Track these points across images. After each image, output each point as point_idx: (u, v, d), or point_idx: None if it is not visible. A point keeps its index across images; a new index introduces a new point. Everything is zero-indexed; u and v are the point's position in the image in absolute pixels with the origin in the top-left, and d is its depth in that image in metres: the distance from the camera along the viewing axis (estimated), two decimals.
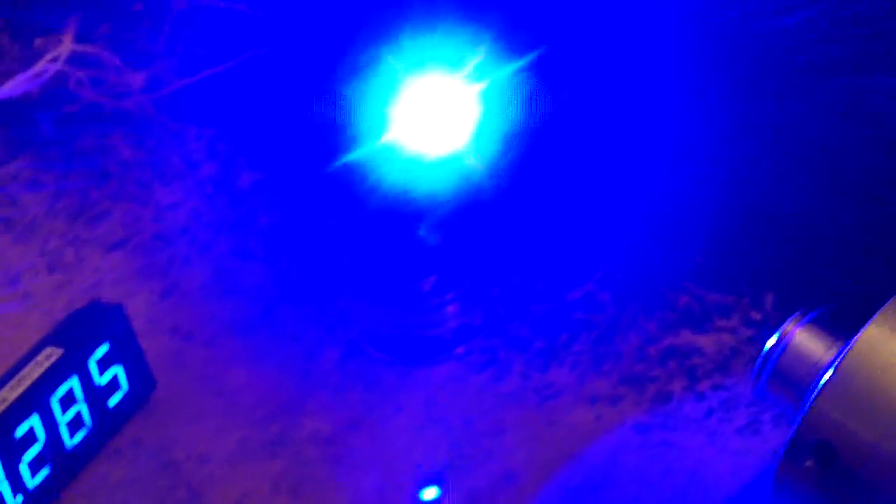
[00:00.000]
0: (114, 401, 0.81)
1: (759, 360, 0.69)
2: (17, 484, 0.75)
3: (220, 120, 1.06)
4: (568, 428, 0.83)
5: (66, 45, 1.02)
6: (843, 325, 0.68)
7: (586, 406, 0.84)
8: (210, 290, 0.92)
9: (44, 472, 0.77)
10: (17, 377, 0.76)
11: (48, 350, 0.77)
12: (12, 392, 0.75)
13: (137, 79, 1.03)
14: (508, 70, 0.80)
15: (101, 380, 0.80)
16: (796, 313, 0.69)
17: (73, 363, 0.78)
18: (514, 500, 0.79)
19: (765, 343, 0.70)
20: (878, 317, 0.63)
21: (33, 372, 0.76)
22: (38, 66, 0.96)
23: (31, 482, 0.76)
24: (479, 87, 0.77)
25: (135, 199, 0.99)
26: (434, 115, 0.76)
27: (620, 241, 0.94)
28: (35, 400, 0.76)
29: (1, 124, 1.05)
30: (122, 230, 0.97)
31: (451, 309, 0.86)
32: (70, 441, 0.78)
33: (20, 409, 0.75)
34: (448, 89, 0.76)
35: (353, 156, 0.76)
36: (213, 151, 1.03)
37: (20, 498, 0.76)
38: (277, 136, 1.00)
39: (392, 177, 0.76)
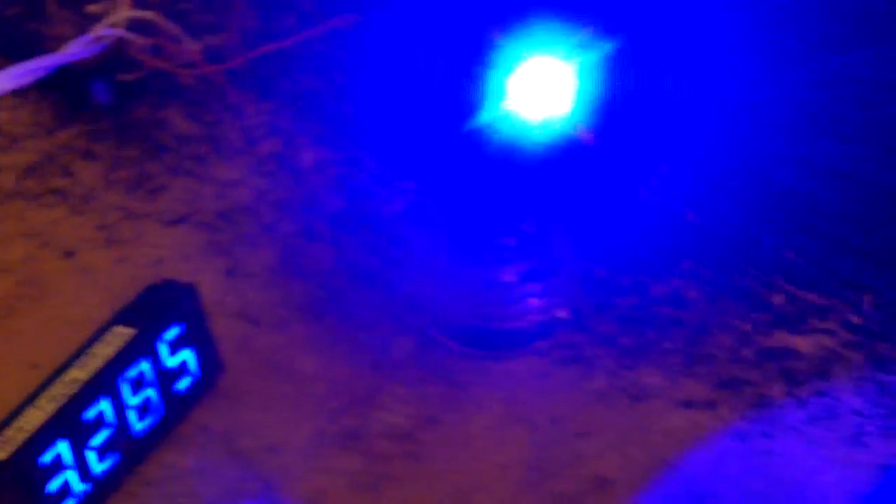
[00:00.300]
0: (182, 385, 0.76)
1: None
2: (84, 470, 0.70)
3: (280, 96, 1.01)
4: (662, 432, 0.78)
5: (125, 12, 0.96)
6: None
7: (680, 409, 0.79)
8: (277, 273, 0.87)
9: (111, 459, 0.72)
10: (85, 356, 0.71)
11: (118, 329, 0.72)
12: (82, 372, 0.70)
13: (196, 50, 0.97)
14: (601, 50, 0.77)
15: (171, 362, 0.75)
16: None
17: (144, 344, 0.73)
18: None
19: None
20: None
21: (103, 352, 0.71)
22: (96, 32, 0.91)
23: (97, 467, 0.71)
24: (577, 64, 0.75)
25: (193, 174, 0.94)
26: (541, 88, 0.73)
27: (707, 234, 0.89)
28: (105, 382, 0.70)
29: (55, 91, 0.99)
30: (182, 206, 0.91)
31: (534, 301, 0.81)
32: (138, 426, 0.73)
33: (91, 391, 0.69)
34: (552, 66, 0.74)
35: (476, 122, 0.72)
36: (273, 128, 0.98)
37: (87, 485, 0.70)
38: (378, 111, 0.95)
39: (505, 139, 0.72)
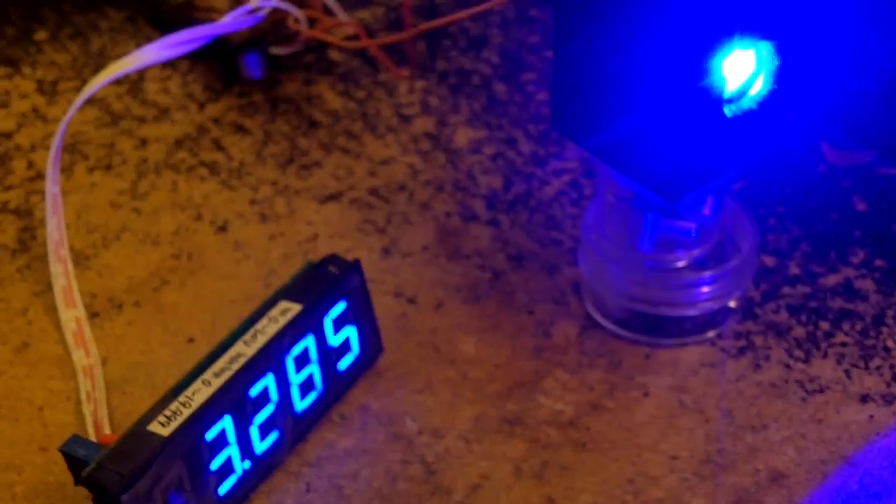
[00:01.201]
0: (344, 363, 0.74)
1: None
2: (246, 448, 0.68)
3: (431, 72, 0.99)
4: (838, 427, 0.75)
5: None
6: None
7: (857, 403, 0.76)
8: (433, 252, 0.84)
9: (273, 436, 0.70)
10: (251, 332, 0.69)
11: (283, 304, 0.70)
12: (248, 348, 0.68)
13: (354, 24, 0.95)
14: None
15: (335, 340, 0.73)
16: None
17: (310, 321, 0.71)
18: (784, 503, 0.71)
19: None
20: None
21: (269, 328, 0.69)
22: (252, 2, 0.89)
23: (259, 446, 0.69)
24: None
25: (346, 150, 0.92)
26: (735, 66, 0.69)
27: (878, 222, 0.86)
28: (271, 358, 0.68)
29: (206, 64, 0.98)
30: (335, 182, 0.89)
31: (706, 290, 0.78)
32: (300, 403, 0.71)
33: (257, 367, 0.68)
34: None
35: (642, 112, 0.68)
36: (426, 106, 0.96)
37: (248, 463, 0.69)
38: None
39: (685, 135, 0.69)
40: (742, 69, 0.70)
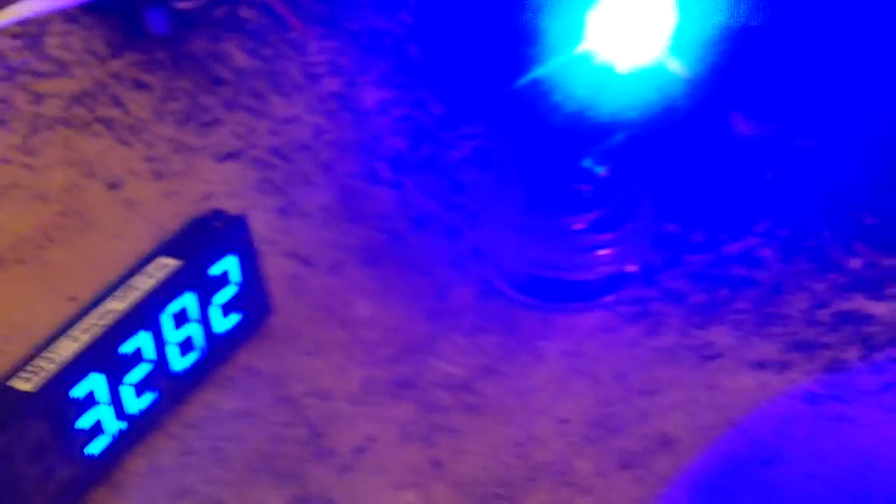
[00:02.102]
0: (229, 323, 0.72)
1: None
2: (118, 407, 0.66)
3: (345, 34, 0.97)
4: (730, 393, 0.73)
5: None
6: None
7: (750, 370, 0.75)
8: (332, 214, 0.83)
9: (148, 397, 0.68)
10: (125, 287, 0.67)
11: (162, 260, 0.68)
12: (120, 304, 0.66)
13: None
14: None
15: (218, 299, 0.71)
16: None
17: (190, 277, 0.69)
18: (671, 467, 0.70)
19: None
20: None
21: (144, 283, 0.67)
22: None
23: (133, 406, 0.67)
24: None
25: (249, 109, 0.90)
26: (630, 23, 0.67)
27: (785, 193, 0.84)
28: (145, 315, 0.66)
29: (109, 18, 0.96)
30: (235, 141, 0.87)
31: (603, 253, 0.76)
32: (179, 363, 0.69)
33: (129, 323, 0.66)
34: None
35: (539, 69, 0.67)
36: (335, 66, 0.94)
37: (121, 423, 0.67)
38: (447, 50, 0.91)
39: (579, 92, 0.67)
40: (638, 29, 0.68)
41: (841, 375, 0.75)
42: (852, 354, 0.76)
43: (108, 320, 0.65)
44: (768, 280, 0.80)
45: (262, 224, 0.82)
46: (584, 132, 0.68)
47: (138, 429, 0.68)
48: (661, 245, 0.81)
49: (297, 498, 0.67)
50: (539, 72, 0.65)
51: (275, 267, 0.79)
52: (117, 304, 0.66)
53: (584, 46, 0.66)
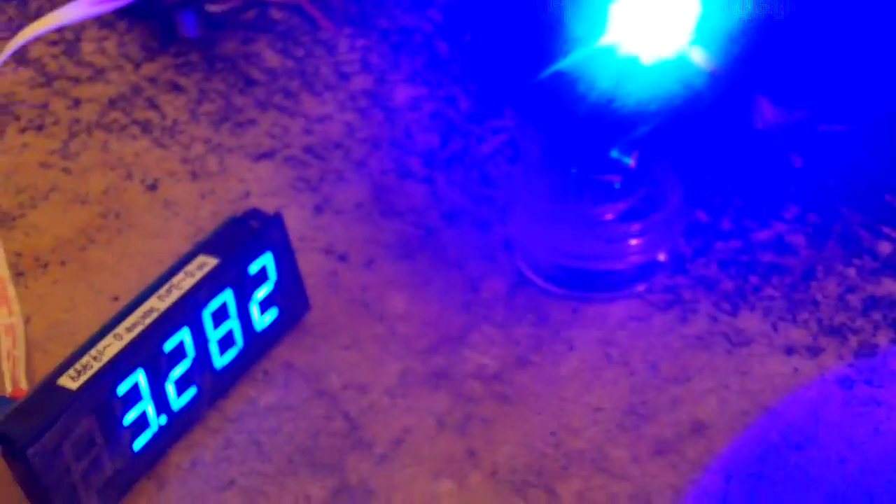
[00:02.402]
0: (267, 319, 0.73)
1: None
2: (161, 403, 0.68)
3: (374, 32, 0.98)
4: (762, 379, 0.74)
5: None
6: None
7: (782, 357, 0.76)
8: (366, 210, 0.84)
9: (190, 392, 0.70)
10: (166, 286, 0.68)
11: (201, 259, 0.70)
12: (162, 302, 0.68)
13: None
14: None
15: (256, 296, 0.72)
16: None
17: (228, 275, 0.70)
18: (704, 453, 0.71)
19: None
20: None
21: (185, 282, 0.69)
22: None
23: (176, 402, 0.69)
24: None
25: (282, 108, 0.92)
26: (652, 14, 0.68)
27: (814, 178, 0.85)
28: (187, 313, 0.68)
29: (142, 23, 0.97)
30: (270, 140, 0.89)
31: (634, 242, 0.78)
32: (220, 360, 0.71)
33: (171, 321, 0.67)
34: None
35: (562, 62, 0.68)
36: (366, 64, 0.95)
37: (164, 418, 0.68)
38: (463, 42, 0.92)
39: (602, 84, 0.68)
40: (661, 20, 0.69)
41: (873, 359, 0.76)
42: (883, 338, 0.77)
43: (150, 318, 0.67)
44: (798, 266, 0.81)
45: (297, 221, 0.83)
46: (610, 123, 0.69)
47: (181, 423, 0.70)
48: (690, 233, 0.82)
49: (337, 488, 0.69)
50: (562, 64, 0.66)
51: (311, 263, 0.80)
52: (159, 303, 0.68)
53: (607, 38, 0.67)
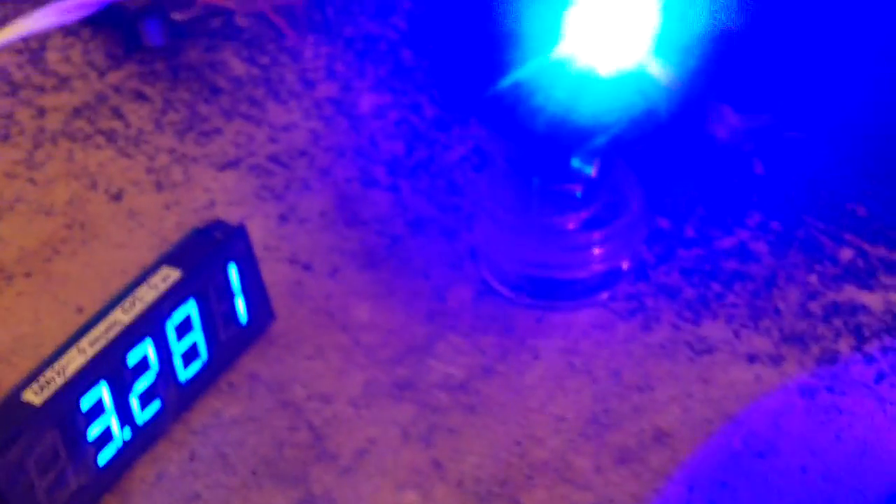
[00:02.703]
0: (231, 331, 0.74)
1: None
2: (126, 416, 0.68)
3: (339, 40, 0.98)
4: (725, 387, 0.75)
5: None
6: None
7: (744, 364, 0.76)
8: (331, 218, 0.84)
9: (155, 406, 0.70)
10: (130, 299, 0.68)
11: (164, 271, 0.70)
12: (125, 315, 0.68)
13: None
14: None
15: (220, 307, 0.72)
16: None
17: (191, 287, 0.70)
18: (667, 462, 0.71)
19: None
20: None
21: (148, 295, 0.69)
22: None
23: (140, 416, 0.69)
24: None
25: (247, 117, 0.92)
26: (610, 26, 0.68)
27: (776, 186, 0.86)
28: (150, 325, 0.68)
29: (107, 32, 0.97)
30: (235, 149, 0.89)
31: (597, 251, 0.78)
32: (184, 372, 0.71)
33: (134, 334, 0.67)
34: None
35: (520, 73, 0.68)
36: (331, 72, 0.95)
37: (128, 432, 0.69)
38: (426, 50, 0.92)
39: (560, 95, 0.68)
40: (620, 31, 0.70)
41: (834, 367, 0.76)
42: (845, 346, 0.77)
43: (114, 332, 0.67)
44: (760, 273, 0.81)
45: (262, 230, 0.83)
46: (569, 133, 0.70)
47: (145, 437, 0.70)
48: (653, 241, 0.82)
49: (301, 501, 0.69)
50: (521, 75, 0.67)
51: (275, 272, 0.80)
52: (123, 316, 0.68)
53: (564, 49, 0.67)
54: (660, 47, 0.69)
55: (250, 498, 0.69)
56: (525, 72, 0.67)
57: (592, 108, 0.69)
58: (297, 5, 0.95)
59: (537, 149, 0.72)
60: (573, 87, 0.68)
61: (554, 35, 0.67)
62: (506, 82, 0.68)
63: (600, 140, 0.71)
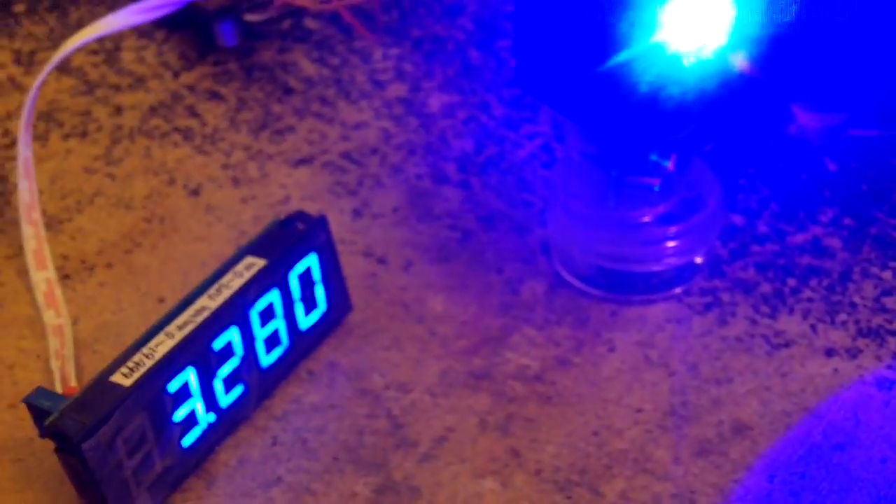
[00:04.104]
0: (311, 319, 0.74)
1: None
2: (210, 400, 0.69)
3: (406, 39, 0.99)
4: (803, 380, 0.75)
5: None
6: None
7: (821, 357, 0.76)
8: (404, 214, 0.85)
9: (238, 390, 0.71)
10: (216, 286, 0.69)
11: (248, 260, 0.71)
12: (212, 301, 0.69)
13: None
14: None
15: (301, 295, 0.73)
16: None
17: (274, 276, 0.71)
18: (747, 454, 0.71)
19: None
20: None
21: (234, 282, 0.70)
22: None
23: (224, 399, 0.70)
24: None
25: (319, 116, 0.93)
26: (699, 12, 0.69)
27: (848, 183, 0.86)
28: (235, 312, 0.69)
29: (181, 33, 0.99)
30: (308, 147, 0.90)
31: (671, 245, 0.78)
32: (266, 358, 0.72)
33: (221, 320, 0.68)
34: None
35: (600, 67, 0.69)
36: (400, 72, 0.96)
37: (212, 416, 0.69)
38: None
39: (641, 88, 0.69)
40: (700, 22, 0.70)
41: None
42: None
43: (202, 317, 0.68)
44: (835, 268, 0.81)
45: (337, 225, 0.84)
46: (651, 125, 0.70)
47: (229, 421, 0.71)
48: (727, 236, 0.83)
49: (382, 486, 0.70)
50: (606, 64, 0.67)
51: (351, 266, 0.81)
52: (210, 302, 0.69)
53: (652, 39, 0.68)
54: (739, 39, 0.70)
55: (332, 483, 0.70)
56: (612, 61, 0.67)
57: (677, 100, 0.69)
58: (370, 7, 0.96)
59: (617, 140, 0.72)
60: (654, 81, 0.68)
61: (639, 28, 0.67)
62: (589, 75, 0.68)
63: (682, 133, 0.71)
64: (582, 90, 0.71)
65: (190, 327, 0.67)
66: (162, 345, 0.66)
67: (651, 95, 0.69)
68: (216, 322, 0.68)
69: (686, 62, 0.69)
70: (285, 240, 0.73)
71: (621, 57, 0.68)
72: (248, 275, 0.70)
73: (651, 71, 0.69)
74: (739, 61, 0.72)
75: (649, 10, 0.66)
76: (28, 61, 0.98)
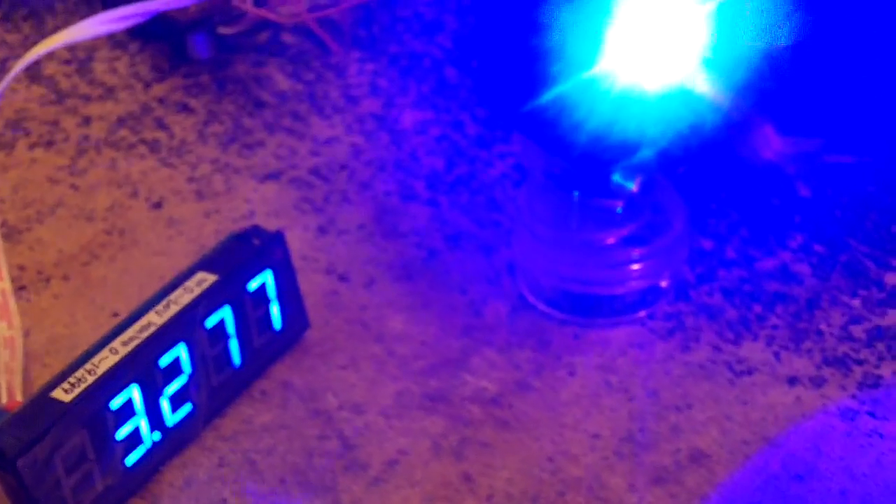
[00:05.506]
0: (265, 338, 0.73)
1: None
2: (156, 419, 0.68)
3: (382, 55, 0.98)
4: (764, 409, 0.74)
5: None
6: None
7: (784, 386, 0.75)
8: (369, 231, 0.84)
9: (185, 409, 0.69)
10: (164, 302, 0.68)
11: (200, 275, 0.70)
12: (159, 317, 0.68)
13: (298, 3, 0.95)
14: None
15: (255, 313, 0.72)
16: None
17: (227, 292, 0.70)
18: (703, 483, 0.70)
19: None
20: None
21: (183, 298, 0.69)
22: None
23: (170, 418, 0.69)
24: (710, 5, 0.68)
25: (291, 131, 0.92)
26: (655, 40, 0.68)
27: (820, 209, 0.85)
28: (184, 328, 0.68)
29: (154, 44, 0.98)
30: (276, 161, 0.89)
31: (636, 267, 0.77)
32: (216, 377, 0.70)
33: (167, 336, 0.67)
34: (673, 7, 0.68)
35: (562, 87, 0.68)
36: (374, 87, 0.95)
37: (157, 435, 0.68)
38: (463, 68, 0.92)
39: (603, 109, 0.67)
40: (665, 44, 0.69)
41: (876, 391, 0.75)
42: (887, 370, 0.76)
43: (147, 333, 0.67)
44: (802, 295, 0.80)
45: (300, 241, 0.83)
46: (611, 148, 0.69)
47: (175, 440, 0.69)
48: (694, 260, 0.81)
49: None
50: (563, 88, 0.66)
51: (312, 283, 0.80)
52: (157, 318, 0.68)
53: (608, 63, 0.67)
54: (706, 63, 0.69)
55: None
56: (568, 86, 0.66)
57: (636, 123, 0.68)
58: (343, 21, 0.95)
59: (578, 162, 0.71)
60: (617, 102, 0.67)
61: (597, 49, 0.66)
62: (548, 96, 0.67)
63: (643, 155, 0.70)
64: (541, 109, 0.69)
65: (135, 343, 0.66)
66: (105, 360, 0.65)
67: (611, 118, 0.68)
68: (162, 338, 0.67)
69: (649, 85, 0.68)
70: (240, 255, 0.71)
71: (582, 80, 0.67)
72: (198, 290, 0.69)
73: (612, 93, 0.67)
74: (706, 84, 0.71)
75: (604, 33, 0.64)
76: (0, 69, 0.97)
